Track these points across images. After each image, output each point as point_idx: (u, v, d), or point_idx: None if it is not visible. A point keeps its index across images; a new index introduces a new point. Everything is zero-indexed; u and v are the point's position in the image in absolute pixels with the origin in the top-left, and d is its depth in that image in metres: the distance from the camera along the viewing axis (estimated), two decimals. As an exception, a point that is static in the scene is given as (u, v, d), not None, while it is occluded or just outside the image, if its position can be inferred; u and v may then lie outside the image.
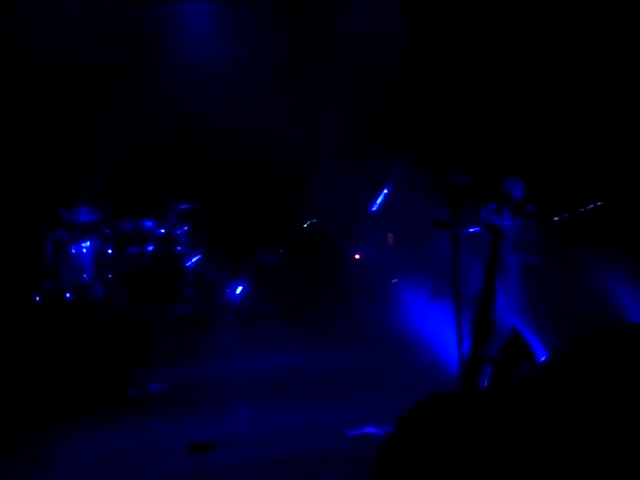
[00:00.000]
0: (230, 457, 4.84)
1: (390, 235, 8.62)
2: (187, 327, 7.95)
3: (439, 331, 6.18)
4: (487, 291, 5.03)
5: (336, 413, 5.55)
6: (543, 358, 5.32)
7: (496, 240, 5.02)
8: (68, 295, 8.05)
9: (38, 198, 8.56)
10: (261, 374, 6.77)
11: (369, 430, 4.99)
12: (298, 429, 5.25)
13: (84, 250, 8.26)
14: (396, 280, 8.02)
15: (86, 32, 8.68)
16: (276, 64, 9.04)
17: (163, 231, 8.73)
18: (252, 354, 7.22)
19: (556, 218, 5.92)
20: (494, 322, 5.16)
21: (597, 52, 8.17)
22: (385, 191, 7.54)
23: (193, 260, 8.88)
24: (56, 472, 4.73)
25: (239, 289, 8.88)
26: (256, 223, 9.17)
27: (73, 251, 8.20)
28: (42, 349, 6.56)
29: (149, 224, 8.70)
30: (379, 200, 7.59)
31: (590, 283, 6.54)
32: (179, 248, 8.79)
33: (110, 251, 8.46)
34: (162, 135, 9.16)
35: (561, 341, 5.19)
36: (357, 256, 8.92)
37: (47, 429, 5.43)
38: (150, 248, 8.64)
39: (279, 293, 8.82)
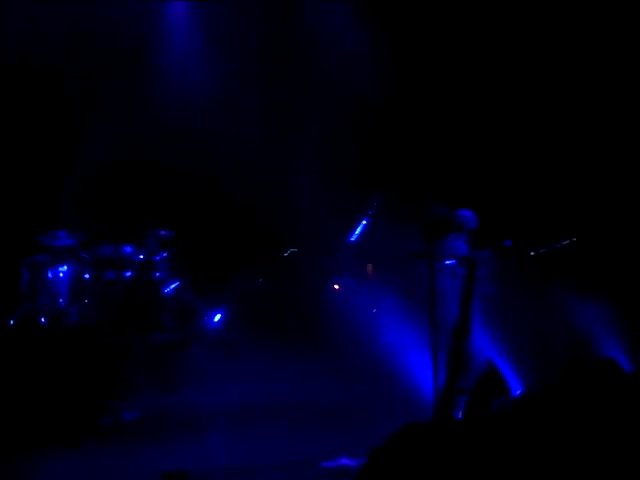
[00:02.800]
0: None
1: (369, 265, 8.66)
2: (164, 354, 7.87)
3: (416, 361, 6.19)
4: (462, 322, 5.06)
5: (312, 444, 5.51)
6: (518, 391, 5.34)
7: (471, 271, 5.08)
8: (43, 320, 7.94)
9: (15, 221, 8.49)
10: (238, 403, 6.72)
11: (344, 462, 4.96)
12: (274, 459, 5.19)
13: (61, 274, 8.18)
14: (375, 310, 8.04)
15: (66, 45, 8.62)
16: (254, 95, 9.13)
17: (142, 257, 8.68)
18: (229, 383, 7.17)
19: (532, 253, 6.00)
20: (469, 353, 5.19)
21: (570, 89, 8.35)
22: (364, 222, 7.59)
23: (172, 287, 8.83)
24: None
25: (217, 317, 8.83)
26: (236, 251, 9.17)
27: (50, 275, 8.12)
28: (13, 375, 6.44)
29: (128, 249, 8.66)
30: (358, 230, 7.64)
31: (565, 317, 6.61)
32: (158, 274, 8.74)
33: (87, 276, 8.39)
34: (143, 161, 9.17)
35: (535, 375, 5.22)
36: (336, 286, 8.94)
37: (14, 459, 5.31)
38: (128, 274, 8.58)
39: (258, 322, 8.78)
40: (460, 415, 4.95)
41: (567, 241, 5.86)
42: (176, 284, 8.83)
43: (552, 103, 8.43)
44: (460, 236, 5.53)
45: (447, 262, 5.48)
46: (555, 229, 6.55)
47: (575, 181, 8.14)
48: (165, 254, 8.82)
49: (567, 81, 8.35)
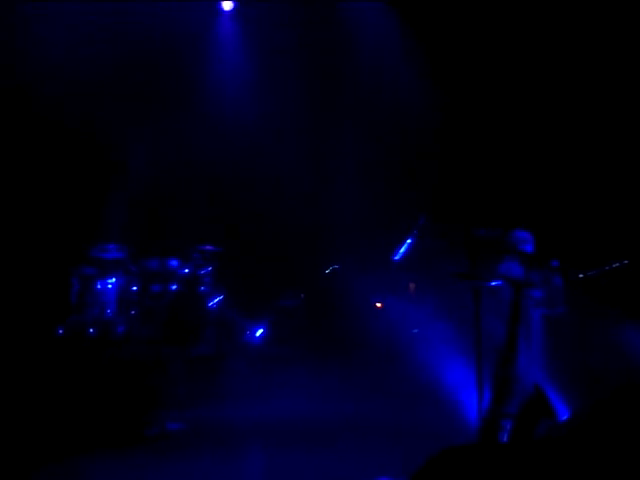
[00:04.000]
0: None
1: (412, 285, 8.62)
2: (206, 368, 7.95)
3: (460, 383, 6.12)
4: (509, 345, 5.00)
5: (352, 462, 5.49)
6: (565, 416, 5.24)
7: (518, 294, 5.02)
8: (91, 330, 8.12)
9: (67, 234, 8.71)
10: (278, 419, 6.74)
11: (385, 481, 4.93)
12: (313, 477, 5.19)
13: (109, 286, 8.37)
14: (417, 330, 7.99)
15: (113, 54, 8.68)
16: (298, 114, 9.21)
17: (187, 271, 8.82)
18: (270, 398, 7.20)
19: (581, 275, 5.90)
20: (515, 377, 5.12)
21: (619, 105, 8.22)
22: (409, 241, 7.57)
23: (215, 301, 8.93)
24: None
25: (259, 332, 8.89)
26: (279, 267, 9.24)
27: (99, 287, 8.32)
28: (63, 383, 6.60)
29: (174, 263, 8.81)
30: (402, 249, 7.62)
31: (614, 341, 6.46)
32: (202, 288, 8.86)
33: (135, 288, 8.56)
34: (190, 176, 9.33)
35: (584, 400, 5.11)
36: (378, 304, 8.91)
37: (63, 463, 5.43)
38: (173, 287, 8.73)
39: (299, 338, 8.81)
40: (505, 439, 4.88)
41: (618, 264, 5.74)
42: (220, 298, 8.94)
43: (604, 127, 8.32)
44: (513, 258, 5.46)
45: (493, 283, 5.42)
46: (606, 251, 6.43)
47: (627, 203, 7.99)
48: (210, 269, 8.95)
49: (621, 105, 8.24)
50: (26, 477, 5.22)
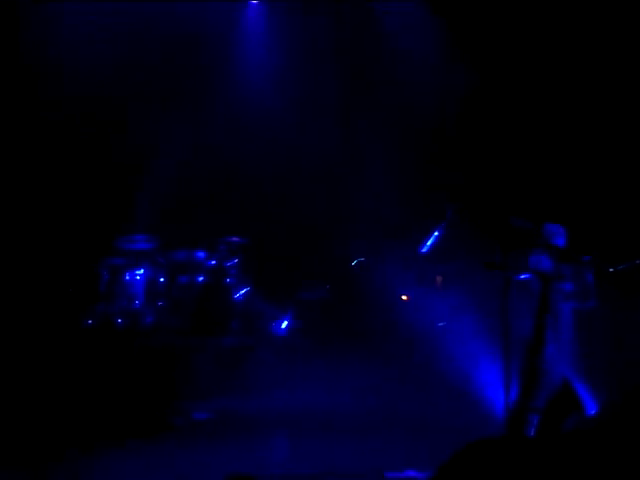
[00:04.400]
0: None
1: (439, 277, 8.56)
2: (232, 359, 8.01)
3: (486, 376, 6.08)
4: (537, 338, 4.95)
5: (378, 453, 5.49)
6: (593, 411, 5.17)
7: (546, 287, 4.96)
8: (119, 321, 8.23)
9: (97, 225, 8.82)
10: (303, 410, 6.76)
11: (410, 474, 4.92)
12: (338, 466, 5.21)
13: (137, 277, 8.47)
14: (443, 324, 7.94)
15: (143, 47, 8.79)
16: (326, 105, 9.19)
17: (214, 262, 8.88)
18: (295, 389, 7.22)
19: (611, 269, 5.81)
20: (543, 370, 5.07)
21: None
22: (436, 233, 7.51)
23: (241, 292, 8.98)
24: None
25: (285, 324, 8.92)
26: (304, 259, 9.25)
27: (127, 278, 8.42)
28: (91, 373, 6.70)
29: (201, 255, 8.87)
30: (430, 242, 7.57)
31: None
32: (228, 280, 8.92)
33: (162, 279, 8.64)
34: (217, 168, 9.37)
35: (613, 394, 5.05)
36: (404, 297, 8.87)
37: (92, 451, 5.51)
38: (200, 278, 8.79)
39: (324, 330, 8.82)
40: (532, 433, 4.84)
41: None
42: (246, 290, 8.98)
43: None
44: (544, 251, 5.39)
45: (522, 276, 5.37)
46: (637, 245, 6.32)
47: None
48: (236, 260, 9.00)
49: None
50: (54, 464, 5.31)
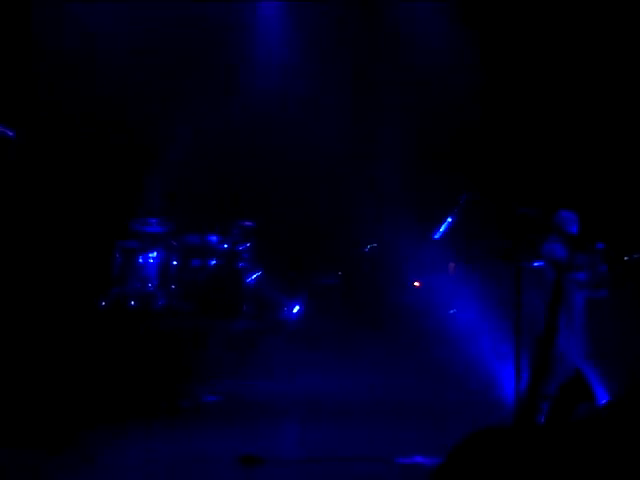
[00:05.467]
0: (278, 474, 4.85)
1: (452, 264, 8.54)
2: (243, 342, 8.04)
3: (497, 364, 6.07)
4: (549, 327, 4.92)
5: (387, 439, 5.50)
6: (604, 400, 5.15)
7: (560, 275, 4.92)
8: (132, 303, 8.28)
9: (110, 208, 8.86)
10: (313, 394, 6.79)
11: (419, 460, 4.93)
12: (347, 451, 5.22)
13: (151, 260, 8.51)
14: (454, 310, 7.93)
15: (158, 36, 8.88)
16: (337, 89, 9.16)
17: (226, 246, 8.90)
18: (306, 374, 7.24)
19: (626, 258, 5.76)
20: (555, 359, 5.05)
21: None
22: (450, 219, 7.48)
23: (253, 277, 9.00)
24: (102, 474, 4.81)
25: (296, 308, 8.94)
26: (317, 244, 9.25)
27: (140, 260, 8.46)
28: (103, 354, 6.75)
29: (214, 239, 8.89)
30: (443, 228, 7.54)
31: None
32: (241, 264, 8.94)
33: (175, 262, 8.68)
34: (232, 153, 9.37)
35: (624, 384, 5.02)
36: (417, 283, 8.86)
37: (100, 432, 5.55)
38: (213, 262, 8.82)
39: (336, 315, 8.83)
40: (542, 421, 4.82)
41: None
42: (258, 274, 9.00)
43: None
44: (558, 238, 5.34)
45: (535, 264, 5.33)
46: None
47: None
48: (248, 244, 9.01)
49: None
50: (64, 444, 5.35)
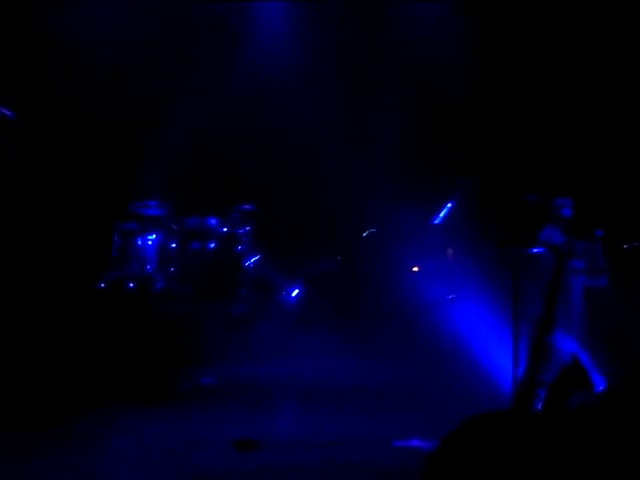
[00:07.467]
0: (274, 459, 4.87)
1: (450, 250, 8.54)
2: (242, 326, 8.06)
3: (495, 350, 6.08)
4: (547, 313, 4.92)
5: (385, 423, 5.53)
6: (601, 388, 5.17)
7: (559, 262, 4.92)
8: (131, 285, 8.28)
9: (109, 191, 8.84)
10: (311, 378, 6.81)
11: (416, 443, 4.95)
12: (344, 435, 5.25)
13: (150, 242, 8.50)
14: (453, 296, 7.94)
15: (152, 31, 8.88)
16: (337, 75, 9.13)
17: (225, 230, 8.89)
18: (304, 358, 7.26)
19: (625, 246, 5.75)
20: (553, 346, 5.06)
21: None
22: (449, 205, 7.47)
23: (252, 260, 9.00)
24: (97, 454, 4.82)
25: (295, 292, 8.95)
26: (316, 229, 9.24)
27: (139, 243, 8.45)
28: (101, 335, 6.76)
29: (213, 222, 8.88)
30: (442, 214, 7.53)
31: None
32: (240, 247, 8.93)
33: (174, 245, 8.67)
34: (233, 136, 9.34)
35: (621, 371, 5.03)
36: (415, 268, 8.86)
37: (95, 413, 5.57)
38: (212, 245, 8.81)
39: (334, 300, 8.84)
40: (538, 408, 4.84)
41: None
42: (257, 258, 9.00)
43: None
44: (556, 225, 5.35)
45: (534, 250, 5.33)
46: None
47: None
48: (248, 228, 9.00)
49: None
50: (61, 425, 5.38)
